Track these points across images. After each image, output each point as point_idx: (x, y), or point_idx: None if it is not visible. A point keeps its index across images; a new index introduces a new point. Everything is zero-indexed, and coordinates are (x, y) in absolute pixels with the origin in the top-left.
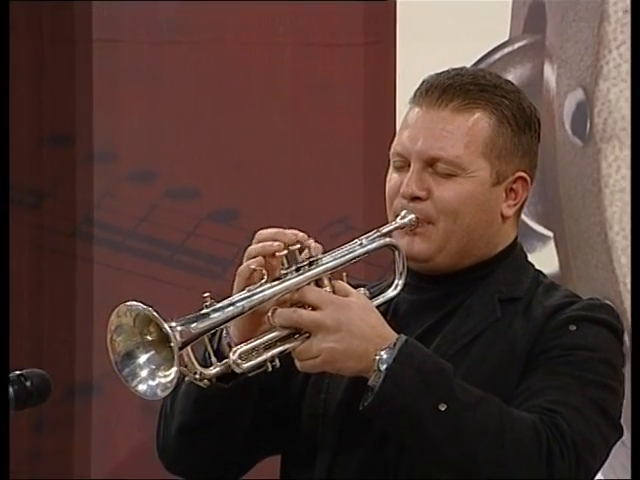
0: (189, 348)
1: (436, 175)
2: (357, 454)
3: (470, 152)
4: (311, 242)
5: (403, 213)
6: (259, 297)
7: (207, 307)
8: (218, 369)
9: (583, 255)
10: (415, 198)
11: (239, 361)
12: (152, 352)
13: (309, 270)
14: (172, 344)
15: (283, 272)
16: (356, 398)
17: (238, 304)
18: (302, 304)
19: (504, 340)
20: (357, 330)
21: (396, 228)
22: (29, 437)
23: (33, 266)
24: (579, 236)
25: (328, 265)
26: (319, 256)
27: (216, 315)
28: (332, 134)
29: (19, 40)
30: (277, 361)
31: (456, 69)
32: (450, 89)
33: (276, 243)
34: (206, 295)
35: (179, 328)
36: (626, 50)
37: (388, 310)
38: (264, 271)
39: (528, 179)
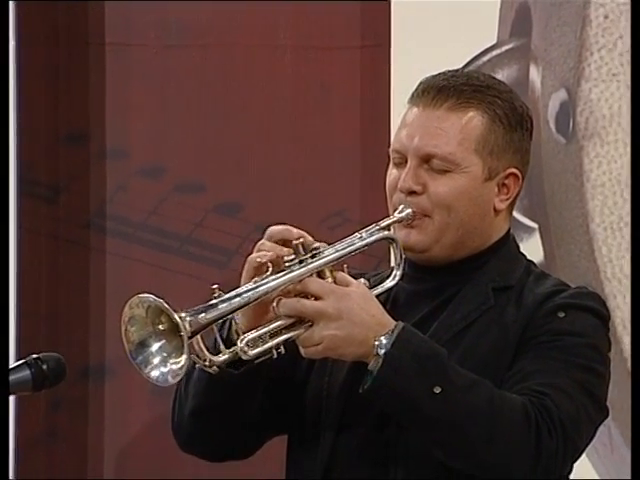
0: (199, 337)
1: (431, 171)
2: (358, 433)
3: (463, 149)
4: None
5: (401, 207)
6: (264, 288)
7: (215, 298)
8: (227, 356)
9: (566, 245)
10: (412, 192)
11: (246, 348)
12: (163, 341)
13: (311, 262)
14: (182, 333)
15: (287, 264)
16: (357, 381)
17: (244, 295)
18: (305, 294)
19: (497, 326)
20: (357, 318)
21: (394, 222)
22: (47, 416)
23: (50, 256)
24: (562, 228)
25: (329, 257)
26: (321, 249)
27: (224, 306)
28: (330, 132)
29: (37, 43)
30: (282, 348)
31: (451, 71)
32: (445, 89)
33: (286, 249)
34: (214, 287)
35: (188, 318)
36: (607, 53)
37: (388, 299)
38: (269, 264)
39: (520, 175)
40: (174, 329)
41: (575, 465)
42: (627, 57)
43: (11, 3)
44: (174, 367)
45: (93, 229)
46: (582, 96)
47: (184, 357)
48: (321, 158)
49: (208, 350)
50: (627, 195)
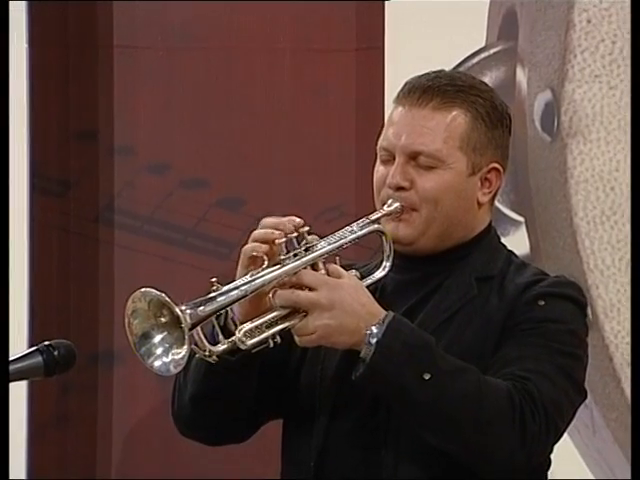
0: (199, 328)
1: (418, 167)
2: (351, 418)
3: (448, 146)
4: (307, 229)
5: (389, 202)
6: (260, 281)
7: (214, 291)
8: (225, 346)
9: (551, 238)
10: (400, 188)
11: (244, 338)
12: (165, 333)
13: (305, 255)
14: (183, 326)
15: (282, 258)
16: (349, 368)
17: (242, 288)
18: (299, 286)
19: (480, 315)
20: (349, 308)
21: (384, 215)
22: (58, 400)
23: (60, 248)
24: (547, 221)
25: (322, 250)
26: (314, 242)
27: (222, 298)
28: (327, 131)
29: (49, 46)
30: (278, 338)
31: (435, 72)
32: (430, 90)
33: (277, 231)
34: (213, 280)
35: (189, 311)
36: (589, 55)
37: (377, 288)
38: (265, 257)
39: (501, 169)
40: (175, 321)
41: (560, 447)
42: (609, 59)
43: (24, 6)
44: (175, 357)
45: (102, 222)
46: (566, 96)
47: (185, 348)
48: (318, 156)
49: (208, 340)
50: (609, 190)
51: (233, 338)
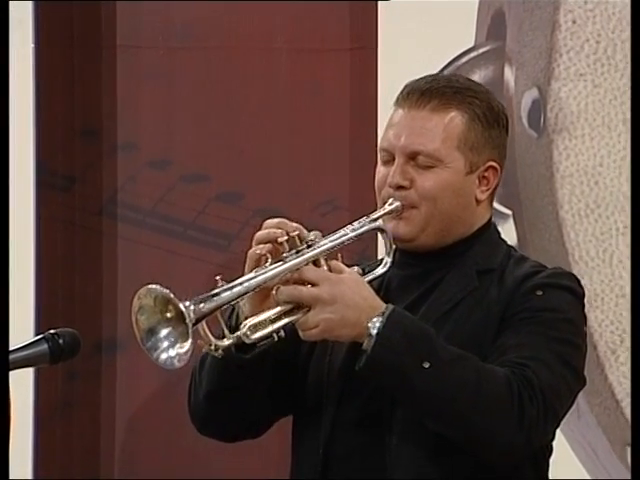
0: (204, 323)
1: (417, 167)
2: (356, 407)
3: (447, 146)
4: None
5: (390, 201)
6: (263, 277)
7: (219, 287)
8: (230, 341)
9: (537, 231)
10: (400, 187)
11: (249, 333)
12: (170, 328)
13: (307, 252)
14: (187, 321)
15: (285, 255)
16: (355, 361)
17: (245, 284)
18: (302, 282)
19: (481, 306)
20: (350, 302)
21: (385, 214)
22: (63, 386)
23: (66, 240)
24: (534, 214)
25: (324, 247)
26: (316, 240)
27: (225, 294)
28: (322, 128)
29: (54, 45)
30: (282, 332)
31: (433, 75)
32: (428, 92)
33: (279, 230)
34: (218, 277)
35: (192, 307)
36: (575, 55)
37: (382, 285)
38: (269, 256)
39: (498, 167)
40: (180, 317)
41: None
42: (593, 58)
43: (31, 7)
44: (180, 351)
45: (105, 216)
46: (552, 94)
47: (189, 342)
48: (314, 152)
49: (213, 335)
50: (593, 184)
51: (238, 333)
